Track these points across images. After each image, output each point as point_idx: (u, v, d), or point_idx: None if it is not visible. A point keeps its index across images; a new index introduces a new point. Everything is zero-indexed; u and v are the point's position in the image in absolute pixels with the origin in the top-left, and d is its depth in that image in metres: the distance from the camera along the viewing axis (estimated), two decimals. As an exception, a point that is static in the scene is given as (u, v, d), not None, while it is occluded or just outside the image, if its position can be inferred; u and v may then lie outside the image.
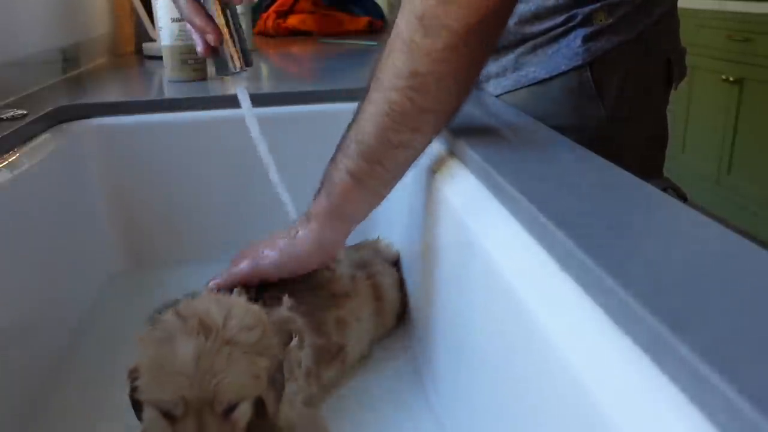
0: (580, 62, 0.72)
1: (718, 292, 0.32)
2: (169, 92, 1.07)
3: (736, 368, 0.25)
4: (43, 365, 0.71)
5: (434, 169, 0.68)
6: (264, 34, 1.84)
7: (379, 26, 1.88)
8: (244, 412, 0.49)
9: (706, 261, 0.36)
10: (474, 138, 0.62)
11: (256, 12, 1.83)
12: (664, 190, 0.67)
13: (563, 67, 0.72)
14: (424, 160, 0.72)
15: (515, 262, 0.44)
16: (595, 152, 0.68)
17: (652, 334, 0.29)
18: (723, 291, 0.32)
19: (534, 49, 0.74)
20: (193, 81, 1.07)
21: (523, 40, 0.75)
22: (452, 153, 0.66)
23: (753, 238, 0.35)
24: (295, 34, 1.81)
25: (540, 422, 0.39)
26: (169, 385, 0.46)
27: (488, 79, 0.80)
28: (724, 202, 2.51)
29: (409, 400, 0.66)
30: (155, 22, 1.41)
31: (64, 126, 0.87)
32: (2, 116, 0.78)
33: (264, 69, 1.34)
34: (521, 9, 0.73)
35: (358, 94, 0.97)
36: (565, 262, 0.39)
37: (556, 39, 0.73)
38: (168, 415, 0.47)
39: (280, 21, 1.83)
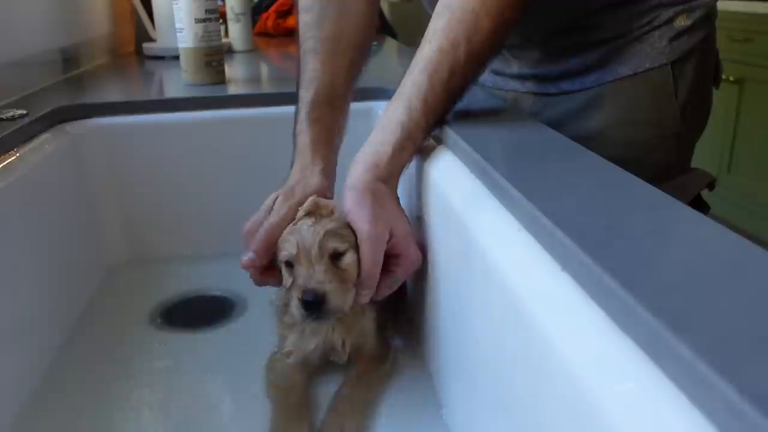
0: (664, 61, 0.76)
1: (718, 292, 0.32)
2: (169, 92, 1.07)
3: (736, 368, 0.25)
4: (43, 358, 0.72)
5: (434, 169, 0.68)
6: (264, 34, 1.84)
7: (378, 26, 1.88)
8: (351, 261, 0.61)
9: (706, 261, 0.36)
10: (474, 137, 0.62)
11: (256, 12, 1.83)
12: (712, 182, 0.78)
13: (647, 65, 0.76)
14: (424, 160, 0.72)
15: (515, 262, 0.44)
16: (668, 146, 0.78)
17: (653, 335, 0.29)
18: (723, 291, 0.32)
19: (617, 48, 0.77)
20: (215, 84, 1.03)
21: (606, 40, 0.78)
22: (452, 152, 0.66)
23: (753, 238, 0.35)
24: (296, 33, 1.81)
25: (541, 421, 0.39)
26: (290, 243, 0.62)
27: (564, 77, 0.82)
28: (724, 202, 2.51)
29: (416, 401, 0.66)
30: (155, 22, 1.41)
31: (64, 126, 0.87)
32: (2, 116, 0.78)
33: (264, 69, 1.34)
34: (609, 18, 0.77)
35: (357, 94, 0.97)
36: (565, 262, 0.39)
37: (639, 38, 0.76)
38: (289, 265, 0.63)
39: (280, 21, 1.83)
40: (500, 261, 0.46)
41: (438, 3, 0.65)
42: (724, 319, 0.29)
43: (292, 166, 0.73)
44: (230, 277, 0.90)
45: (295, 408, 0.64)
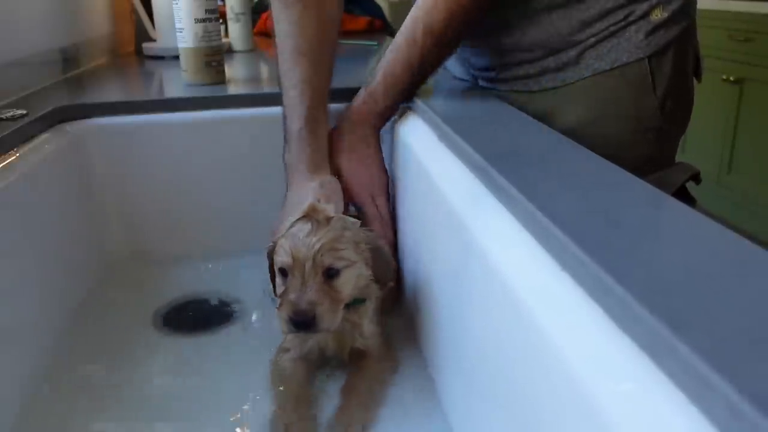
0: (641, 55, 0.76)
1: (718, 291, 0.32)
2: (169, 92, 1.07)
3: (736, 368, 0.25)
4: (42, 358, 0.72)
5: (434, 169, 0.68)
6: (264, 34, 1.84)
7: (379, 26, 1.88)
8: (345, 281, 0.62)
9: (706, 261, 0.36)
10: (473, 137, 0.62)
11: (256, 12, 1.83)
12: (697, 174, 0.78)
13: (625, 59, 0.77)
14: (424, 159, 0.72)
15: (514, 261, 0.44)
16: (647, 139, 0.79)
17: (652, 334, 0.29)
18: (722, 290, 0.32)
19: (595, 43, 0.78)
20: (215, 84, 1.03)
21: (585, 38, 0.78)
22: (451, 152, 0.66)
23: (753, 238, 0.35)
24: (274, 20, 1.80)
25: (540, 420, 0.39)
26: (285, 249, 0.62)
27: (545, 73, 0.82)
28: (724, 202, 2.51)
29: (415, 400, 0.66)
30: (155, 22, 1.41)
31: (64, 126, 0.87)
32: (2, 116, 0.78)
33: (264, 69, 1.34)
34: (583, 15, 0.77)
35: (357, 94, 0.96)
36: (564, 261, 0.39)
37: (615, 33, 0.77)
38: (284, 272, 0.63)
39: (280, 21, 1.83)
40: (499, 261, 0.46)
41: None
42: (724, 319, 0.29)
43: (288, 164, 0.80)
44: (230, 277, 0.90)
45: (297, 396, 0.65)
